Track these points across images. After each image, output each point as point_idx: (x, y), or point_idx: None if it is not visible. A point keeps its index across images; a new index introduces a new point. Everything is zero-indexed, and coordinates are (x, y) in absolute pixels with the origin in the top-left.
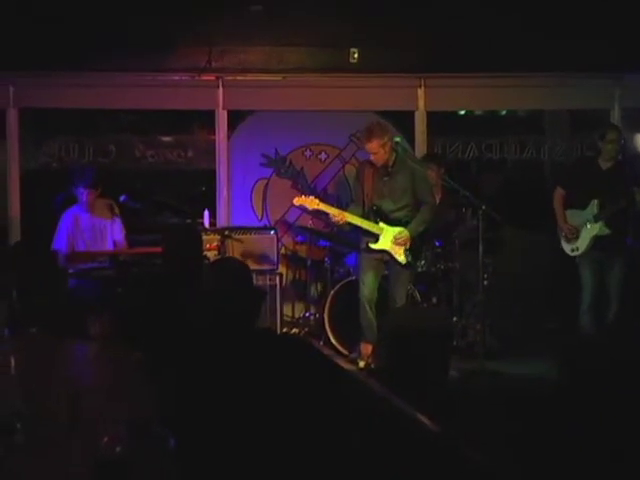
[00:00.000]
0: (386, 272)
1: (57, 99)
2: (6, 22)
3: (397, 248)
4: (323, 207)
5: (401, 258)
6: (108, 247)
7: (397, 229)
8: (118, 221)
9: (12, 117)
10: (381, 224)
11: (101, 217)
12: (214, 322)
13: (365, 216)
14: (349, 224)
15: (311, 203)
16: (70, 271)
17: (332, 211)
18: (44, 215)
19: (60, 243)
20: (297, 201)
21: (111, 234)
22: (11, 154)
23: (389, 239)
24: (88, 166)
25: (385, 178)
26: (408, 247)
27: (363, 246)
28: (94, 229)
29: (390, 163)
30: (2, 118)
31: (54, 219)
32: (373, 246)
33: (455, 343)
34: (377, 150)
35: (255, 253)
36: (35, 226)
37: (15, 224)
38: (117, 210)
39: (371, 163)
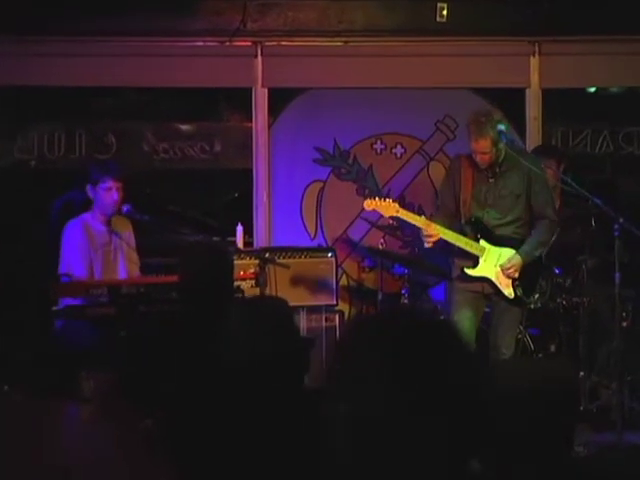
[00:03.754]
0: (487, 309)
1: (36, 74)
2: None
3: (503, 277)
4: (405, 215)
5: (508, 291)
6: (123, 274)
7: (505, 251)
8: (132, 246)
9: None
10: (482, 242)
11: (119, 233)
12: (249, 380)
13: (461, 231)
14: (437, 240)
15: (388, 208)
16: (55, 309)
17: (417, 221)
18: (18, 231)
19: (76, 267)
20: (369, 204)
21: (127, 258)
22: None
23: (493, 263)
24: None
25: (491, 180)
26: (519, 275)
27: (456, 272)
28: (109, 248)
29: (498, 161)
30: None
31: (32, 236)
32: (470, 272)
33: (582, 407)
34: (489, 149)
35: (306, 283)
36: (5, 245)
37: None
38: (128, 228)
39: (470, 159)
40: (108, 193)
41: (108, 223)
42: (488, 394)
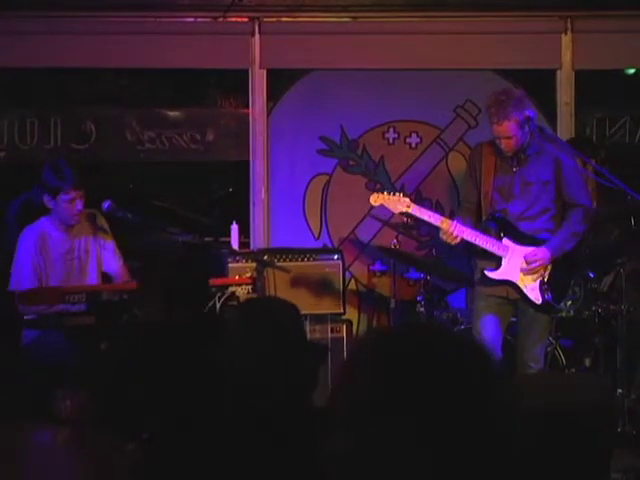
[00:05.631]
0: (513, 319)
1: (4, 54)
2: None
3: (529, 279)
4: (417, 211)
5: (535, 295)
6: (92, 282)
7: (530, 249)
8: (108, 242)
9: None
10: (506, 241)
11: (83, 236)
12: (247, 397)
13: (483, 227)
14: (455, 239)
15: (398, 204)
16: (26, 318)
17: (432, 218)
18: None
19: (24, 281)
20: (375, 199)
21: (97, 263)
22: None
23: (518, 264)
24: (60, 156)
25: (515, 169)
26: (547, 278)
27: (477, 275)
28: (70, 257)
29: (524, 146)
30: None
31: (4, 241)
32: (492, 274)
33: (620, 429)
34: (513, 134)
35: (310, 289)
36: None
37: None
38: (104, 223)
39: (492, 146)
40: (71, 205)
41: (71, 229)
42: (511, 425)
